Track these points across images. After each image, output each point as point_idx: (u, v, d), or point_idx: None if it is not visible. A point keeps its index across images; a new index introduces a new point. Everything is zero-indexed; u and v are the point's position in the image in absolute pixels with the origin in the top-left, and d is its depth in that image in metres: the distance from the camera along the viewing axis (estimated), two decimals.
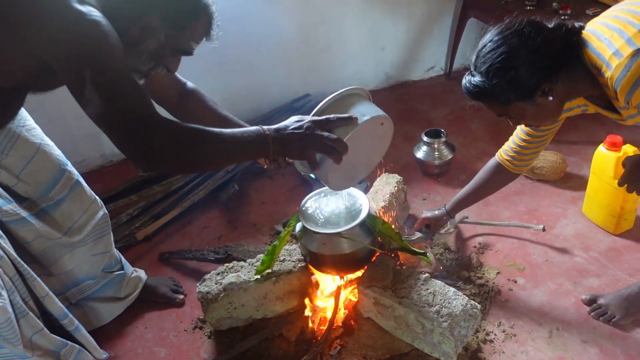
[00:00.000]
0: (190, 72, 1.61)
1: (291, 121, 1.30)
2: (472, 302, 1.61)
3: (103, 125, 1.12)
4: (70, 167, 1.67)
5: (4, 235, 1.41)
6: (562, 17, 2.54)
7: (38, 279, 1.49)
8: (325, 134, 1.28)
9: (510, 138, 1.76)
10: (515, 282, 1.94)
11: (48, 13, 1.09)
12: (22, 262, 1.44)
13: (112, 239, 1.84)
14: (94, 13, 1.11)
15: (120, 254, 1.90)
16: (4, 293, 1.38)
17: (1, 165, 1.46)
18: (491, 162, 1.86)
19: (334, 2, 2.81)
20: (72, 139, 2.55)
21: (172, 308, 1.98)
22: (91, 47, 1.09)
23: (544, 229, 1.95)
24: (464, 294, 1.64)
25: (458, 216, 2.09)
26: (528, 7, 2.70)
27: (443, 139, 2.44)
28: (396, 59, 3.17)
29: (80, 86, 1.09)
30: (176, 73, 1.47)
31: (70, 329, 1.60)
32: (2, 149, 1.46)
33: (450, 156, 2.45)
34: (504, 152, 1.79)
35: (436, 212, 1.97)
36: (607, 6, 2.54)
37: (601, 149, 1.99)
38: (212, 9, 1.28)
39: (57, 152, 1.63)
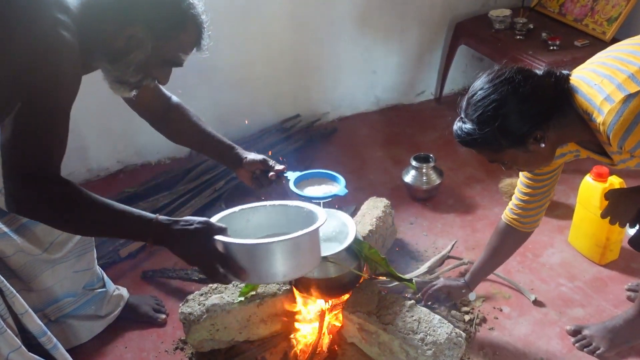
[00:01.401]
0: (177, 88, 1.61)
1: (185, 218, 1.24)
2: (457, 330, 1.60)
3: (2, 154, 1.12)
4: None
5: None
6: (551, 48, 2.58)
7: (17, 295, 1.45)
8: (218, 243, 1.22)
9: (513, 196, 1.73)
10: (501, 310, 1.93)
11: (22, 18, 1.09)
12: (1, 277, 1.41)
13: (95, 256, 1.82)
14: (63, 33, 1.11)
15: (102, 272, 1.87)
16: None
17: None
18: (500, 225, 1.77)
19: (326, 23, 2.83)
20: None
21: (154, 327, 1.94)
22: (39, 79, 1.10)
23: (535, 300, 1.95)
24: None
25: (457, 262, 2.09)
26: (518, 37, 2.74)
27: (431, 164, 2.45)
28: (387, 83, 3.20)
29: (6, 109, 1.10)
30: (161, 87, 1.46)
31: (48, 347, 1.56)
32: None
33: (438, 181, 2.46)
34: (510, 211, 1.74)
35: (455, 284, 1.87)
36: (595, 38, 2.60)
37: (587, 179, 2.01)
38: (200, 18, 1.27)
39: None
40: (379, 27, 2.98)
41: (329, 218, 1.72)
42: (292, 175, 1.62)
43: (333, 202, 2.46)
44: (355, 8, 2.85)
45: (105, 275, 1.88)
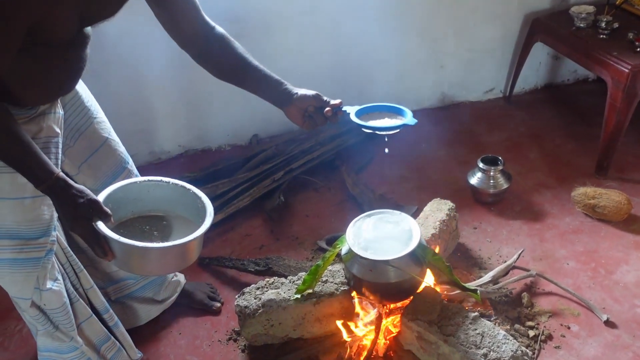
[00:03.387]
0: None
1: (80, 189, 1.22)
2: (523, 348, 1.51)
3: None
4: (132, 165, 1.66)
5: (58, 224, 1.41)
6: (639, 50, 2.39)
7: (84, 270, 1.50)
8: (96, 227, 1.21)
9: None
10: (569, 328, 1.82)
11: None
12: (71, 252, 1.45)
13: None
14: None
15: None
16: (60, 278, 1.40)
17: (65, 154, 1.45)
18: None
19: (395, 15, 2.74)
20: (125, 134, 2.55)
21: (208, 315, 1.95)
22: None
23: (607, 320, 1.82)
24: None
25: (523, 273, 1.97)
26: (601, 36, 2.55)
27: (500, 167, 2.33)
28: (454, 78, 3.07)
29: None
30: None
31: (110, 324, 1.61)
32: (72, 136, 1.46)
33: (506, 185, 2.34)
34: None
35: None
36: None
37: None
38: None
39: (121, 149, 1.62)
40: (449, 20, 2.86)
41: (394, 221, 1.67)
42: (351, 109, 1.44)
43: (395, 199, 2.42)
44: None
45: None
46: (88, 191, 1.23)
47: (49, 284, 1.37)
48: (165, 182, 1.43)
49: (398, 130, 1.41)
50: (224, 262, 2.12)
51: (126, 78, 2.49)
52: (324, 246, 2.17)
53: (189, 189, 1.42)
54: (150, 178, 1.43)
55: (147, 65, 2.49)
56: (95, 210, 1.22)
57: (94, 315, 1.53)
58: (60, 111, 1.35)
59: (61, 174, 1.20)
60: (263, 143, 2.80)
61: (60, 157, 1.36)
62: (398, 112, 1.46)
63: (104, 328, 1.58)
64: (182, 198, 1.42)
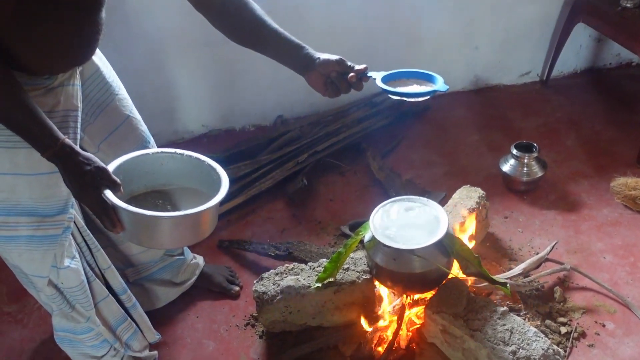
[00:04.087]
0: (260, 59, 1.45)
1: (88, 156, 1.16)
2: (555, 347, 1.42)
3: None
4: (153, 144, 1.61)
5: (75, 204, 1.37)
6: None
7: (102, 250, 1.46)
8: (104, 196, 1.14)
9: None
10: (604, 326, 1.72)
11: None
12: (88, 231, 1.42)
13: None
14: None
15: None
16: (77, 255, 1.37)
17: (85, 131, 1.41)
18: None
19: None
20: (147, 112, 2.51)
21: (226, 299, 1.91)
22: None
23: None
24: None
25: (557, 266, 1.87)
26: None
27: (535, 154, 2.21)
28: (489, 60, 2.94)
29: None
30: None
31: (127, 305, 1.58)
32: (92, 112, 1.41)
33: (540, 174, 2.22)
34: None
35: None
36: None
37: None
38: None
39: (143, 128, 1.57)
40: None
41: (421, 208, 1.58)
42: (377, 75, 1.32)
43: (422, 185, 2.32)
44: None
45: None
46: (96, 158, 1.17)
47: (66, 262, 1.34)
48: (179, 153, 1.36)
49: (428, 97, 1.30)
50: (244, 245, 2.07)
51: (149, 54, 2.44)
52: (347, 232, 2.10)
53: (203, 161, 1.35)
54: (164, 150, 1.37)
55: (171, 42, 2.44)
56: (103, 179, 1.16)
57: (110, 295, 1.50)
58: (78, 84, 1.30)
59: (67, 140, 1.14)
60: (288, 124, 2.73)
61: (79, 134, 1.31)
62: (427, 79, 1.35)
63: (121, 309, 1.55)
64: (197, 170, 1.36)
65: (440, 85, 1.29)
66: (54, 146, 1.12)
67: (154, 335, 1.69)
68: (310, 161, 2.42)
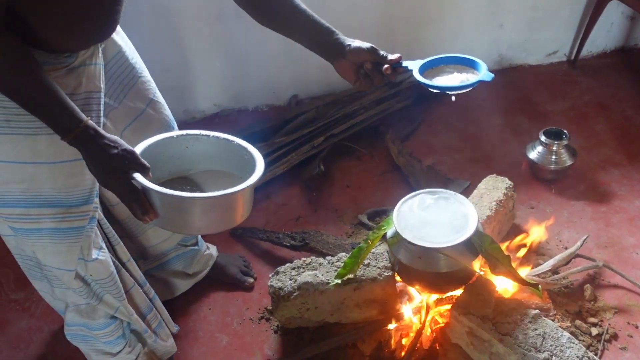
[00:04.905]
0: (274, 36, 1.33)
1: (113, 139, 1.08)
2: (590, 354, 1.34)
3: None
4: (176, 130, 1.51)
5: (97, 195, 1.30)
6: None
7: (121, 243, 1.39)
8: (134, 180, 1.08)
9: None
10: (637, 327, 1.63)
11: None
12: (107, 224, 1.35)
13: None
14: None
15: None
16: (105, 246, 1.30)
17: (108, 116, 1.32)
18: None
19: None
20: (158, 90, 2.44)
21: (240, 291, 1.84)
22: None
23: None
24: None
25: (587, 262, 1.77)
26: None
27: (564, 142, 2.10)
28: (514, 39, 2.79)
29: None
30: None
31: (149, 296, 1.52)
32: (116, 96, 1.32)
33: (569, 162, 2.11)
34: None
35: None
36: None
37: None
38: None
39: (167, 112, 1.48)
40: None
41: (447, 202, 1.49)
42: (413, 65, 1.20)
43: (444, 172, 2.22)
44: None
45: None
46: (122, 141, 1.09)
47: (94, 254, 1.27)
48: (205, 135, 1.28)
49: (471, 88, 1.17)
50: (258, 234, 1.99)
51: (160, 30, 2.32)
52: (365, 221, 2.01)
53: (232, 141, 1.27)
54: (188, 132, 1.29)
55: (183, 17, 2.32)
56: (132, 162, 1.09)
57: (137, 284, 1.45)
58: (100, 62, 1.20)
59: (90, 121, 1.06)
60: (303, 104, 2.62)
61: (102, 118, 1.23)
62: (469, 64, 1.23)
63: (147, 298, 1.49)
64: (225, 152, 1.28)
65: (484, 74, 1.17)
66: (77, 128, 1.04)
67: (173, 327, 1.65)
68: (327, 145, 2.32)
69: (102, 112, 1.22)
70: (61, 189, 1.17)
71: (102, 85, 1.21)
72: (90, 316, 1.38)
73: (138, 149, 1.17)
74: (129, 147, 1.10)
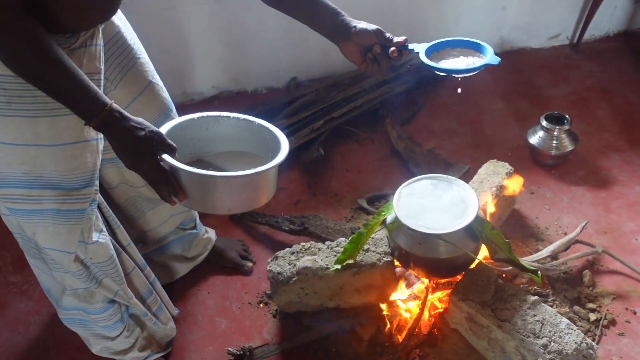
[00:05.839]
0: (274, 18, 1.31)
1: (139, 121, 1.08)
2: (588, 340, 1.34)
3: None
4: (175, 113, 1.50)
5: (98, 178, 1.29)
6: None
7: (121, 227, 1.39)
8: (162, 161, 1.08)
9: None
10: (635, 313, 1.64)
11: None
12: (107, 207, 1.34)
13: None
14: None
15: (196, 213, 1.75)
16: (105, 229, 1.30)
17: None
18: None
19: None
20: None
21: (239, 275, 1.83)
22: None
23: None
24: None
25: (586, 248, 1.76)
26: None
27: (566, 127, 2.08)
28: (517, 22, 2.76)
29: None
30: None
31: (149, 280, 1.52)
32: (114, 78, 1.30)
33: (570, 147, 2.10)
34: None
35: None
36: None
37: None
38: None
39: (165, 95, 1.46)
40: None
41: (447, 187, 1.48)
42: (419, 47, 1.19)
43: (444, 156, 2.20)
44: None
45: (198, 217, 1.76)
46: (148, 123, 1.09)
47: (94, 236, 1.26)
48: (225, 116, 1.28)
49: (476, 72, 1.16)
50: (257, 218, 1.98)
51: (158, 11, 2.29)
52: (364, 205, 2.00)
53: (252, 121, 1.27)
54: (208, 113, 1.28)
55: None
56: (160, 143, 1.08)
57: (137, 267, 1.44)
58: (100, 43, 1.18)
59: (115, 104, 1.04)
60: (302, 87, 2.59)
61: None
62: (475, 47, 1.22)
63: (147, 281, 1.49)
64: (246, 133, 1.28)
65: (490, 57, 1.16)
66: (102, 112, 1.02)
67: (173, 310, 1.65)
68: (326, 128, 2.30)
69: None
70: (62, 172, 1.16)
71: (102, 66, 1.19)
72: (88, 300, 1.37)
73: (163, 130, 1.17)
74: (155, 128, 1.09)
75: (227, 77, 2.62)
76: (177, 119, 1.25)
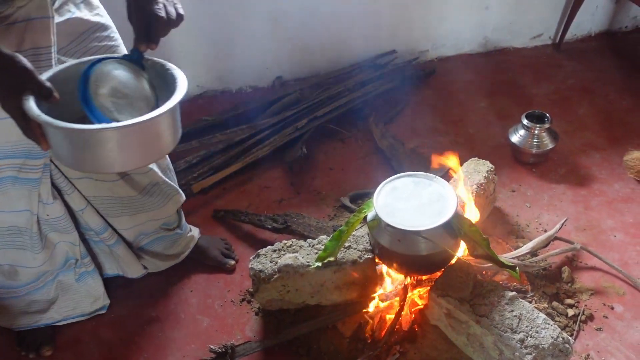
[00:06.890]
0: (272, 12, 1.34)
1: (11, 55, 0.95)
2: (565, 335, 1.36)
3: None
4: None
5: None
6: None
7: (76, 191, 1.43)
8: (25, 105, 0.94)
9: None
10: (612, 308, 1.66)
11: None
12: (61, 174, 1.39)
13: (182, 200, 1.68)
14: None
15: (182, 213, 1.75)
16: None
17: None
18: None
19: None
20: None
21: (221, 273, 1.83)
22: None
23: None
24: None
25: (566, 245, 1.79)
26: None
27: (546, 125, 2.11)
28: (500, 21, 2.79)
29: None
30: None
31: (109, 243, 1.57)
32: (73, 52, 1.29)
33: (551, 146, 2.12)
34: None
35: None
36: None
37: None
38: None
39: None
40: None
41: (427, 185, 1.49)
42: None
43: (427, 155, 2.21)
44: None
45: (183, 217, 1.76)
46: (22, 58, 0.95)
47: (52, 199, 1.38)
48: (117, 58, 1.10)
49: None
50: (240, 216, 1.98)
51: None
52: (347, 204, 2.01)
53: (150, 60, 1.11)
54: (102, 56, 1.10)
55: None
56: (28, 82, 0.94)
57: (89, 204, 1.49)
58: (50, 15, 1.14)
59: None
60: (287, 86, 2.60)
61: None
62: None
63: (102, 219, 1.54)
64: (143, 76, 1.12)
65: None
66: None
67: (140, 269, 1.70)
68: (310, 127, 2.31)
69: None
70: (15, 143, 1.23)
71: (53, 38, 1.15)
72: (12, 278, 1.46)
73: (45, 74, 1.03)
74: (28, 65, 0.95)
75: (212, 76, 2.61)
76: (67, 63, 1.09)
